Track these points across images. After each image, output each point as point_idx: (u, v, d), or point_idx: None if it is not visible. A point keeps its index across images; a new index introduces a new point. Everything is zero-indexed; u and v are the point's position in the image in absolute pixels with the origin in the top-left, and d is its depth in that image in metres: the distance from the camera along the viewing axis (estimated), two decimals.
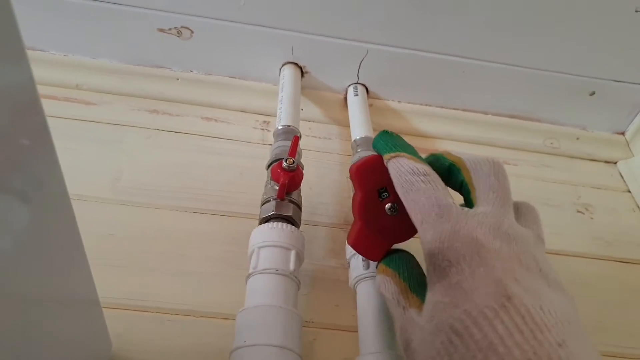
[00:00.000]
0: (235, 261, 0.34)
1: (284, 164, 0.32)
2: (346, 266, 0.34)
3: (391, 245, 0.29)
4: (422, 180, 0.25)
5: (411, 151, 0.27)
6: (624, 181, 0.49)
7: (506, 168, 0.27)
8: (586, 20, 0.43)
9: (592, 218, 0.44)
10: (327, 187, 0.42)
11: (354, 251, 0.29)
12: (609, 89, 0.48)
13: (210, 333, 0.31)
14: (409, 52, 0.45)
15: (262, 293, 0.28)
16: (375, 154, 0.29)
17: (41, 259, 0.19)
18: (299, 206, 0.33)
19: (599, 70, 0.47)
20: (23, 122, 0.16)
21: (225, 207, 0.38)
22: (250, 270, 0.29)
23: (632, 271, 0.41)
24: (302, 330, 0.28)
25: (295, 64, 0.46)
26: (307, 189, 0.40)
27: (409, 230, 0.28)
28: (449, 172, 0.27)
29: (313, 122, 0.47)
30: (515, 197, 0.27)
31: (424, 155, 0.28)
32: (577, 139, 0.51)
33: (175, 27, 0.44)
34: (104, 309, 0.26)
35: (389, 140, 0.28)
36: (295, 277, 0.30)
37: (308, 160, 0.40)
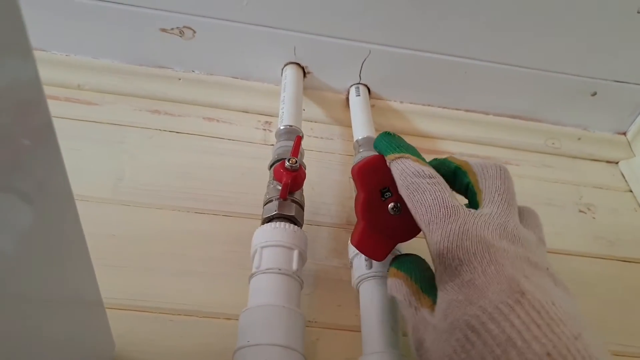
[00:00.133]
0: (237, 261, 0.34)
1: (287, 163, 0.32)
2: (349, 266, 0.34)
3: (395, 245, 0.29)
4: (427, 182, 0.25)
5: (414, 152, 0.28)
6: (626, 181, 0.49)
7: (508, 168, 0.27)
8: (588, 21, 0.43)
9: (594, 218, 0.44)
10: (329, 188, 0.42)
11: (357, 251, 0.29)
12: (611, 89, 0.48)
13: (213, 333, 0.31)
14: (411, 52, 0.45)
15: (265, 293, 0.28)
16: (377, 154, 0.29)
17: (45, 259, 0.19)
18: (301, 206, 0.33)
19: (600, 70, 0.47)
20: (29, 120, 0.16)
21: (228, 208, 0.38)
22: (253, 270, 0.29)
23: (634, 270, 0.41)
24: (305, 330, 0.28)
25: (298, 64, 0.46)
26: (310, 189, 0.40)
27: (412, 230, 0.28)
28: (455, 175, 0.28)
29: (315, 122, 0.47)
30: (518, 197, 0.27)
31: (428, 160, 0.28)
32: (579, 139, 0.51)
33: (177, 27, 0.44)
34: (106, 310, 0.26)
35: (391, 141, 0.28)
36: (298, 276, 0.30)
37: (310, 161, 0.40)
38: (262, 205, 0.33)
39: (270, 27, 0.43)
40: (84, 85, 0.45)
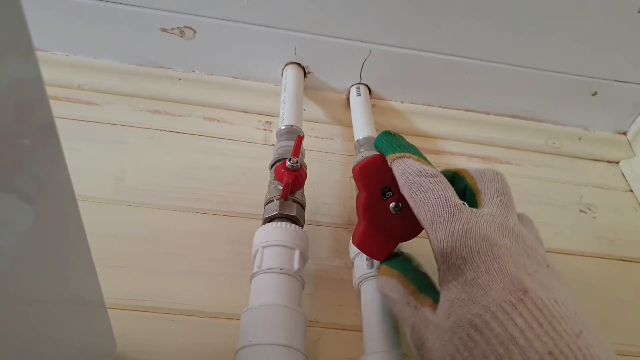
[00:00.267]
0: (239, 261, 0.34)
1: (288, 163, 0.32)
2: (350, 266, 0.34)
3: (396, 245, 0.29)
4: (430, 182, 0.25)
5: (415, 151, 0.28)
6: (626, 181, 0.49)
7: (508, 168, 0.28)
8: (588, 20, 0.43)
9: (594, 217, 0.44)
10: (330, 188, 0.42)
11: (358, 251, 0.29)
12: (611, 89, 0.48)
13: (214, 333, 0.31)
14: (412, 52, 0.45)
15: (266, 292, 0.28)
16: (378, 153, 0.29)
17: (47, 259, 0.19)
18: (302, 206, 0.33)
19: (601, 70, 0.47)
20: (31, 119, 0.16)
21: (228, 207, 0.38)
22: (255, 270, 0.29)
23: (634, 270, 0.41)
24: (307, 329, 0.28)
25: (298, 64, 0.46)
26: (310, 189, 0.40)
27: (414, 229, 0.28)
28: (453, 180, 0.28)
29: (316, 122, 0.47)
30: (518, 197, 0.27)
31: None
32: (579, 139, 0.51)
33: (177, 27, 0.44)
34: (107, 310, 0.26)
35: (392, 141, 0.28)
36: (300, 276, 0.30)
37: (311, 161, 0.40)
38: (263, 205, 0.33)
39: (271, 27, 0.43)
40: (84, 85, 0.45)
